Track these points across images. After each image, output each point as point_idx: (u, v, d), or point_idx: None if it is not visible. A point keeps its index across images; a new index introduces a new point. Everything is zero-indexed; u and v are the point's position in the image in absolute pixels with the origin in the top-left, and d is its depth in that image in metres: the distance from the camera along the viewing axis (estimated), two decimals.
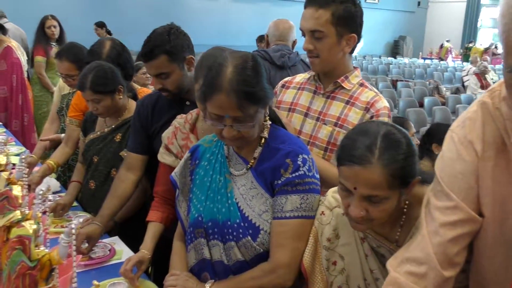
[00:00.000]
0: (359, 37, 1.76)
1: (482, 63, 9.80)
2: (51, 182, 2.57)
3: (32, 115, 4.77)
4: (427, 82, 10.00)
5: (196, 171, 1.52)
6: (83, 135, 2.43)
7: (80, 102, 2.60)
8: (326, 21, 1.67)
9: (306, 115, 1.85)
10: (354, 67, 1.84)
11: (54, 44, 5.10)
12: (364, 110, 1.74)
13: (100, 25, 8.11)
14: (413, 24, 20.54)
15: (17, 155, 3.18)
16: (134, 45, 12.90)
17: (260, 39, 6.93)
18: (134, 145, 2.08)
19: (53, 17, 5.10)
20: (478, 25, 19.88)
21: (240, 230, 1.37)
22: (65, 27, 5.29)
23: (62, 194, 2.51)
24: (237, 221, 1.37)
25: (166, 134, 1.82)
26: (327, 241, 1.35)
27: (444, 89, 9.12)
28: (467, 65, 12.02)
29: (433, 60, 17.85)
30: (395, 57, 18.39)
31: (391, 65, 13.99)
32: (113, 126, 2.29)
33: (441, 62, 16.96)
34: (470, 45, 18.47)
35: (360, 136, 1.14)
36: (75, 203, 2.50)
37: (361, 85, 1.81)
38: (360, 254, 1.31)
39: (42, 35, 5.04)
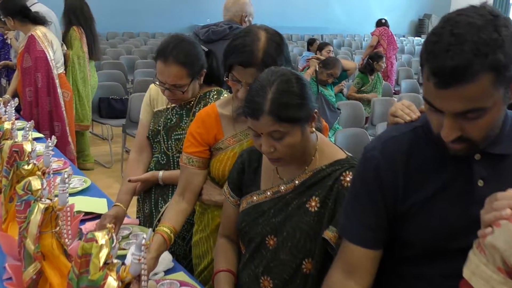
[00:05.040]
0: None
1: None
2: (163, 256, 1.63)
3: (65, 122, 3.78)
4: None
5: None
6: (232, 193, 1.49)
7: (206, 131, 1.64)
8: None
9: None
10: None
11: None
12: None
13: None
14: (438, 1, 19.40)
15: (82, 191, 2.26)
16: (152, 27, 11.98)
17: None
18: (362, 231, 1.13)
19: None
20: (511, 1, 18.71)
21: None
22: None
23: (181, 276, 1.57)
24: None
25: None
26: None
27: None
28: None
29: None
30: (420, 37, 17.33)
31: None
32: (298, 182, 1.33)
33: None
34: None
35: None
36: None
37: None
38: None
39: None
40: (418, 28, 18.99)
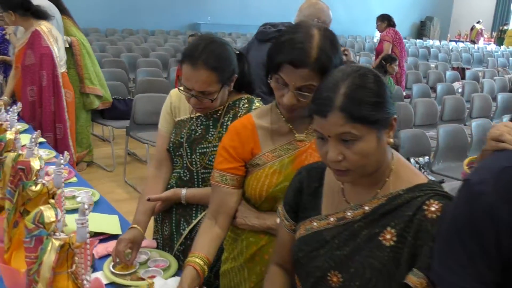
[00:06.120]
0: None
1: None
2: None
3: (67, 124, 3.55)
4: (496, 71, 8.84)
5: None
6: (287, 216, 1.25)
7: (241, 145, 1.42)
8: None
9: None
10: None
11: None
12: None
13: None
14: (440, 4, 19.27)
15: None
16: (151, 24, 11.77)
17: (382, 18, 6.75)
18: (471, 285, 0.90)
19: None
20: None
21: None
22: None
23: None
24: None
25: None
26: None
27: None
28: None
29: (464, 43, 16.72)
30: (422, 39, 17.17)
31: (432, 49, 12.75)
32: (368, 208, 1.09)
33: (475, 45, 15.83)
34: (505, 27, 17.29)
35: None
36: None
37: None
38: None
39: None
40: (420, 30, 18.84)
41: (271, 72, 1.30)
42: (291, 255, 1.20)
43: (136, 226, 1.61)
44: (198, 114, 1.70)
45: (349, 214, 1.11)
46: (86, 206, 1.01)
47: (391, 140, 1.07)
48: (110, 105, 4.75)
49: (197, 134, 1.69)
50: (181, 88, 1.60)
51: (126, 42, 9.50)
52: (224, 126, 1.66)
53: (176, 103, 1.76)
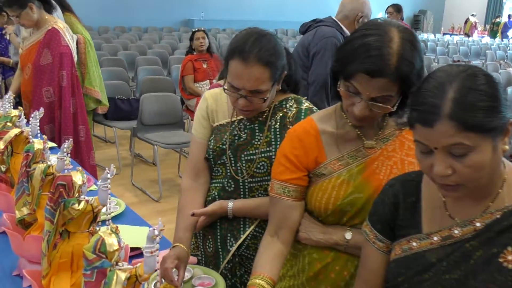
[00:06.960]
0: None
1: None
2: None
3: (89, 125, 3.38)
4: (498, 64, 8.77)
5: None
6: (381, 236, 1.10)
7: (305, 153, 1.27)
8: None
9: None
10: None
11: None
12: None
13: None
14: None
15: (116, 216, 1.90)
16: (144, 21, 11.54)
17: (397, 9, 6.06)
18: None
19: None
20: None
21: None
22: None
23: None
24: None
25: None
26: None
27: None
28: None
29: (458, 35, 16.71)
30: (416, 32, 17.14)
31: (429, 43, 12.68)
32: (480, 225, 0.95)
33: (470, 38, 15.82)
34: (498, 20, 17.29)
35: None
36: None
37: None
38: None
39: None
40: (413, 24, 18.77)
41: (341, 79, 1.16)
42: (388, 280, 1.06)
43: (179, 244, 1.45)
44: (240, 117, 1.54)
45: (456, 232, 0.98)
46: (156, 232, 0.87)
47: (507, 147, 0.93)
48: (107, 110, 4.55)
49: (241, 139, 1.53)
50: (226, 88, 1.44)
51: (121, 40, 9.29)
52: (272, 130, 1.51)
53: (213, 106, 1.59)
